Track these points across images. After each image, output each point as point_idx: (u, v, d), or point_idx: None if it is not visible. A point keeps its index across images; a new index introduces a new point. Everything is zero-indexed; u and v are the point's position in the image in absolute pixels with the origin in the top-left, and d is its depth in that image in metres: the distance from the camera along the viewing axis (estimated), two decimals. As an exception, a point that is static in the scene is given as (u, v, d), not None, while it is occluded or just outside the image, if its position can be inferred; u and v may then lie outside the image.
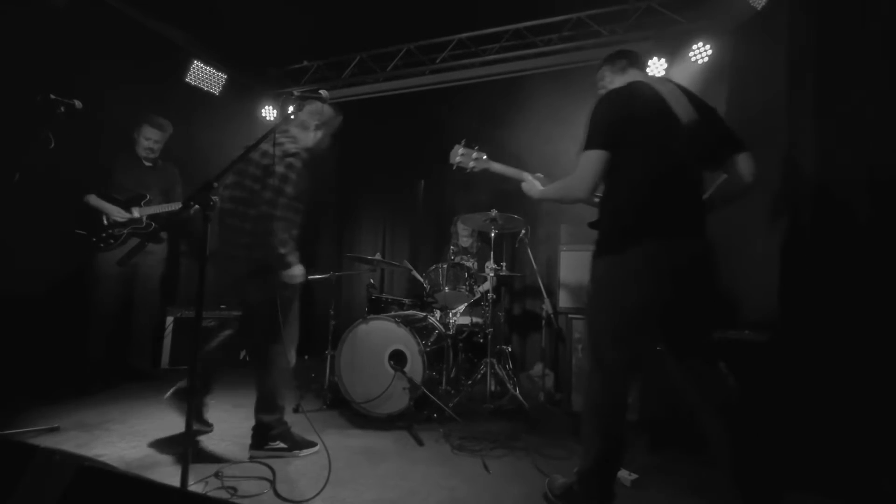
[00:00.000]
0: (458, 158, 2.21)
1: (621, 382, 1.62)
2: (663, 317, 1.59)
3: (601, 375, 1.63)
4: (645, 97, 1.65)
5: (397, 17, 4.13)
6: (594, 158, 1.61)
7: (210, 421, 2.34)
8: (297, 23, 4.17)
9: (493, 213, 3.10)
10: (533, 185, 1.99)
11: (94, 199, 3.27)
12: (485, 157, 2.20)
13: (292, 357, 2.26)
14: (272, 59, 4.77)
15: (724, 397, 1.54)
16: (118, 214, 3.31)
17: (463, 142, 2.24)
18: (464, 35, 4.15)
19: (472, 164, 2.19)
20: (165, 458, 2.10)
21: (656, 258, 1.54)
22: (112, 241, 3.28)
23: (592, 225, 1.76)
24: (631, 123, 1.60)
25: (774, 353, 2.23)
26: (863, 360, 2.10)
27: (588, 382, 1.69)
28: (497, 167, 2.15)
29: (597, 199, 1.76)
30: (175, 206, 3.49)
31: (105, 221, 3.27)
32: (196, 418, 2.23)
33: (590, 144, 1.63)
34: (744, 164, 1.63)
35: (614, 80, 1.85)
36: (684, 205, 1.59)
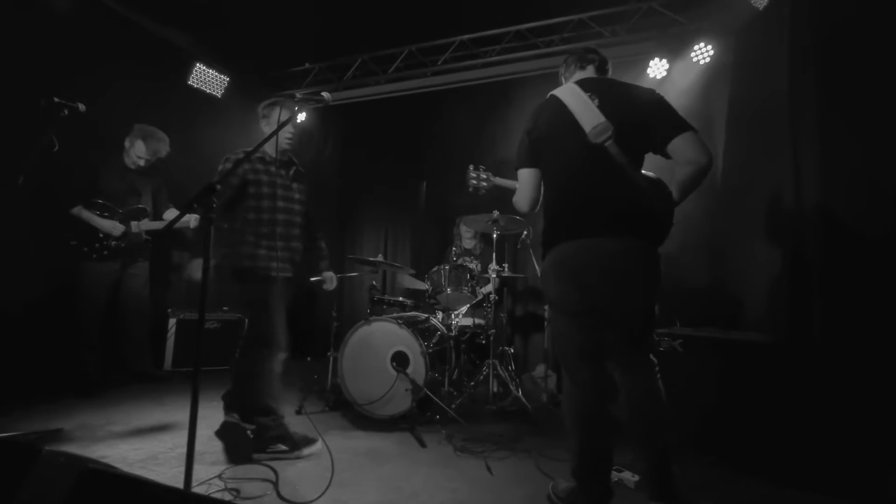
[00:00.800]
0: (472, 181, 2.45)
1: (580, 369, 1.70)
2: (584, 312, 1.67)
3: (563, 365, 1.78)
4: (548, 112, 1.77)
5: (399, 20, 4.14)
6: (525, 176, 1.82)
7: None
8: (298, 25, 4.18)
9: (496, 214, 3.10)
10: None
11: (82, 212, 3.13)
12: (490, 174, 2.45)
13: (277, 359, 2.26)
14: (274, 61, 4.79)
15: (649, 395, 1.64)
16: (113, 229, 3.20)
17: (472, 166, 2.48)
18: (465, 37, 4.16)
19: (483, 183, 2.44)
20: (168, 460, 2.11)
21: (567, 258, 1.66)
22: (105, 252, 3.20)
23: None
24: (542, 141, 1.77)
25: (779, 354, 2.22)
26: (869, 360, 2.10)
27: (563, 384, 1.82)
28: (500, 181, 2.41)
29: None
30: (171, 213, 3.43)
31: (100, 234, 3.19)
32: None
33: (519, 163, 1.83)
34: (685, 148, 1.58)
35: (561, 81, 1.97)
36: (596, 207, 1.63)
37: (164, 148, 3.44)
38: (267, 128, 2.40)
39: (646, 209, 1.62)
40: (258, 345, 2.22)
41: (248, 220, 2.28)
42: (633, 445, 1.71)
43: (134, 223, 3.30)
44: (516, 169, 1.83)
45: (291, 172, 2.46)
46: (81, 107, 2.31)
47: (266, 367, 2.22)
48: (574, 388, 1.73)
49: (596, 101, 1.67)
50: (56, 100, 2.26)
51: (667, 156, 1.65)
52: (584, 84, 1.75)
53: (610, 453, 1.69)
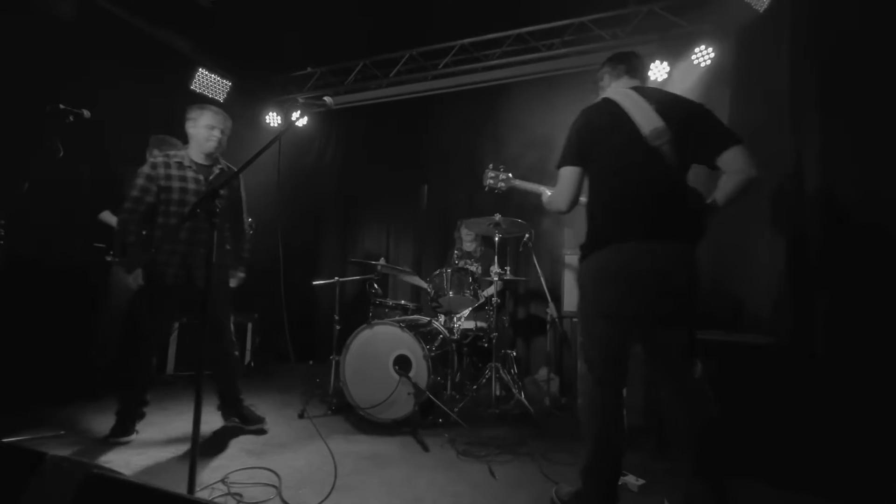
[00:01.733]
0: (489, 181, 2.40)
1: (606, 376, 1.68)
2: (635, 316, 1.64)
3: (587, 370, 1.72)
4: (605, 113, 1.76)
5: (400, 24, 4.15)
6: (568, 174, 1.77)
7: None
8: (300, 30, 4.20)
9: (497, 217, 3.10)
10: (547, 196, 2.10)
11: (110, 217, 3.22)
12: (510, 175, 2.39)
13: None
14: (276, 65, 4.81)
15: (698, 404, 1.62)
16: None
17: (491, 165, 2.43)
18: (466, 41, 4.17)
19: (501, 184, 2.38)
20: (171, 464, 2.11)
21: (620, 260, 1.63)
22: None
23: None
24: (594, 140, 1.73)
25: (782, 356, 2.21)
26: (874, 363, 2.09)
27: (580, 381, 1.76)
28: (519, 184, 2.34)
29: None
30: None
31: None
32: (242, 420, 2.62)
33: (562, 162, 1.79)
34: (734, 160, 1.61)
35: (610, 84, 1.92)
36: (647, 210, 1.63)
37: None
38: (193, 129, 2.48)
39: (693, 213, 1.66)
40: None
41: (157, 224, 2.41)
42: (675, 448, 1.70)
43: None
44: (559, 167, 1.79)
45: (212, 177, 2.52)
46: (86, 113, 2.33)
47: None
48: (599, 391, 1.69)
49: (653, 106, 1.69)
50: (61, 106, 2.28)
51: (712, 166, 1.66)
52: (639, 90, 1.77)
53: (622, 458, 1.69)
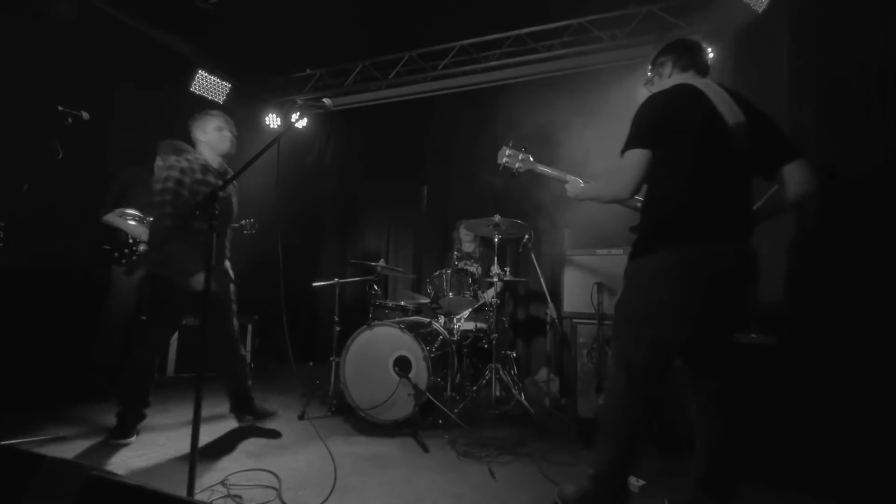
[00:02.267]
0: (504, 159, 2.18)
1: (645, 384, 1.57)
2: (689, 321, 1.53)
3: (626, 375, 1.58)
4: (689, 99, 1.60)
5: (399, 25, 4.16)
6: (637, 158, 1.57)
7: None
8: (300, 31, 4.20)
9: (497, 218, 3.10)
10: (576, 184, 1.96)
11: (115, 219, 3.20)
12: (531, 158, 2.17)
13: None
14: (276, 67, 4.81)
15: (727, 417, 1.58)
16: (144, 234, 3.25)
17: (511, 143, 2.20)
18: (465, 42, 4.18)
19: (518, 165, 2.16)
20: (172, 466, 2.11)
21: (687, 261, 1.50)
22: (134, 258, 3.24)
23: (634, 229, 1.71)
24: (673, 125, 1.56)
25: (782, 356, 2.21)
26: (872, 363, 2.09)
27: (612, 383, 1.66)
28: (542, 169, 2.12)
29: (638, 203, 1.72)
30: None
31: (129, 239, 3.24)
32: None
33: (632, 144, 1.59)
34: (797, 172, 1.54)
35: (672, 75, 1.78)
36: (724, 208, 1.52)
37: None
38: (203, 136, 2.49)
39: (753, 214, 1.61)
40: None
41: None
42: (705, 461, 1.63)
43: None
44: (626, 149, 1.60)
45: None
46: (85, 115, 2.34)
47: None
48: (634, 401, 1.58)
49: (734, 100, 1.59)
50: (60, 108, 2.28)
51: (770, 177, 1.60)
52: (716, 83, 1.67)
53: (636, 460, 1.64)
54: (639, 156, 1.57)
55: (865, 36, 2.39)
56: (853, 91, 2.41)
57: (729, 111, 1.56)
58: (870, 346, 2.13)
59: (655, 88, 1.78)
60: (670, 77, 1.77)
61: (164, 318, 2.43)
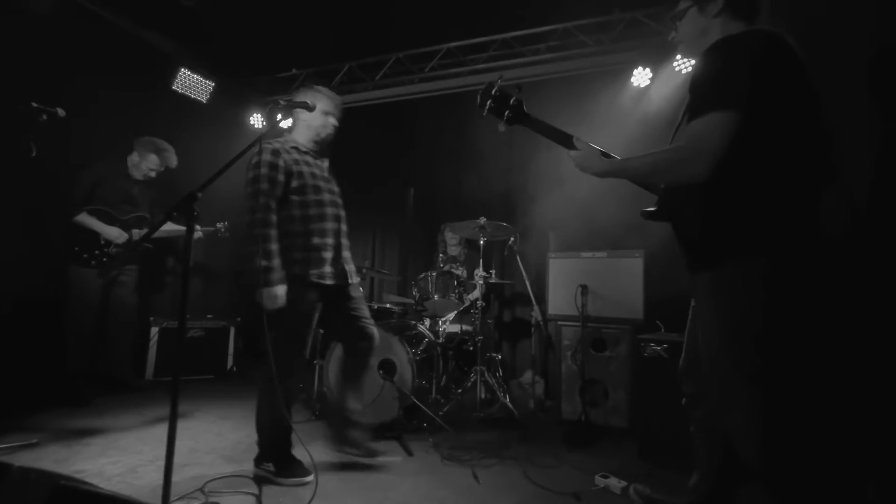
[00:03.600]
0: (490, 102, 1.66)
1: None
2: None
3: (760, 388, 1.27)
4: (789, 54, 1.22)
5: (386, 27, 4.15)
6: (726, 122, 1.16)
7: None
8: (286, 31, 4.16)
9: (482, 220, 3.11)
10: (590, 153, 1.51)
11: (87, 219, 3.12)
12: (524, 107, 1.68)
13: (284, 382, 1.96)
14: (261, 66, 4.76)
15: None
16: (119, 237, 3.20)
17: (500, 79, 1.67)
18: (452, 44, 4.18)
19: (507, 112, 1.66)
20: (148, 473, 2.05)
21: (799, 268, 1.19)
22: (105, 259, 3.17)
23: (652, 215, 1.42)
24: (774, 81, 1.17)
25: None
26: (848, 363, 2.12)
27: (737, 402, 1.31)
28: (539, 125, 1.65)
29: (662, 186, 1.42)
30: (179, 229, 3.42)
31: (101, 241, 3.17)
32: None
33: (719, 103, 1.17)
34: None
35: (721, 19, 1.35)
36: (821, 205, 1.21)
37: (173, 159, 3.52)
38: (305, 115, 2.16)
39: None
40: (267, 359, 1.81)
41: (293, 218, 2.04)
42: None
43: (136, 231, 3.31)
44: (712, 109, 1.19)
45: (326, 165, 2.26)
46: (60, 112, 2.27)
47: (267, 384, 1.98)
48: (759, 387, 1.30)
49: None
50: (34, 104, 2.21)
51: None
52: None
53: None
54: (728, 118, 1.16)
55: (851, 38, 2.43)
56: (839, 102, 2.45)
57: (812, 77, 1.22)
58: (854, 345, 2.16)
59: (701, 37, 1.40)
60: (751, 23, 1.34)
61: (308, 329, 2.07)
